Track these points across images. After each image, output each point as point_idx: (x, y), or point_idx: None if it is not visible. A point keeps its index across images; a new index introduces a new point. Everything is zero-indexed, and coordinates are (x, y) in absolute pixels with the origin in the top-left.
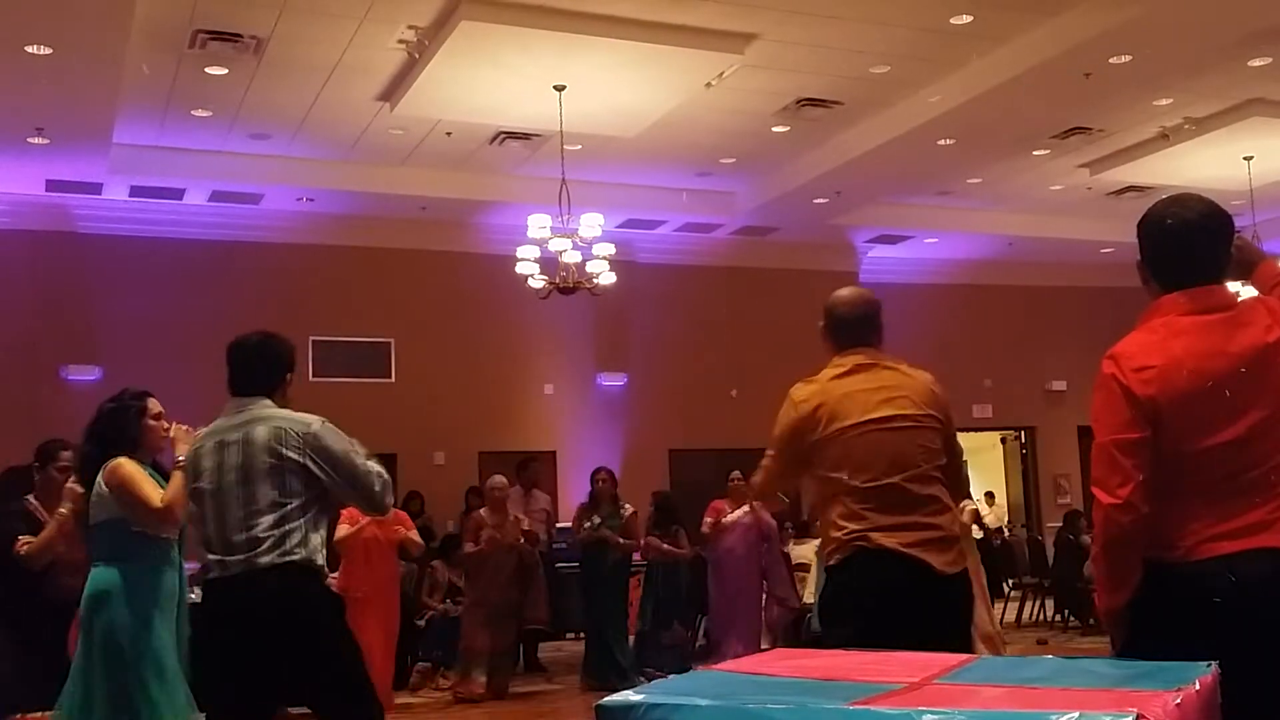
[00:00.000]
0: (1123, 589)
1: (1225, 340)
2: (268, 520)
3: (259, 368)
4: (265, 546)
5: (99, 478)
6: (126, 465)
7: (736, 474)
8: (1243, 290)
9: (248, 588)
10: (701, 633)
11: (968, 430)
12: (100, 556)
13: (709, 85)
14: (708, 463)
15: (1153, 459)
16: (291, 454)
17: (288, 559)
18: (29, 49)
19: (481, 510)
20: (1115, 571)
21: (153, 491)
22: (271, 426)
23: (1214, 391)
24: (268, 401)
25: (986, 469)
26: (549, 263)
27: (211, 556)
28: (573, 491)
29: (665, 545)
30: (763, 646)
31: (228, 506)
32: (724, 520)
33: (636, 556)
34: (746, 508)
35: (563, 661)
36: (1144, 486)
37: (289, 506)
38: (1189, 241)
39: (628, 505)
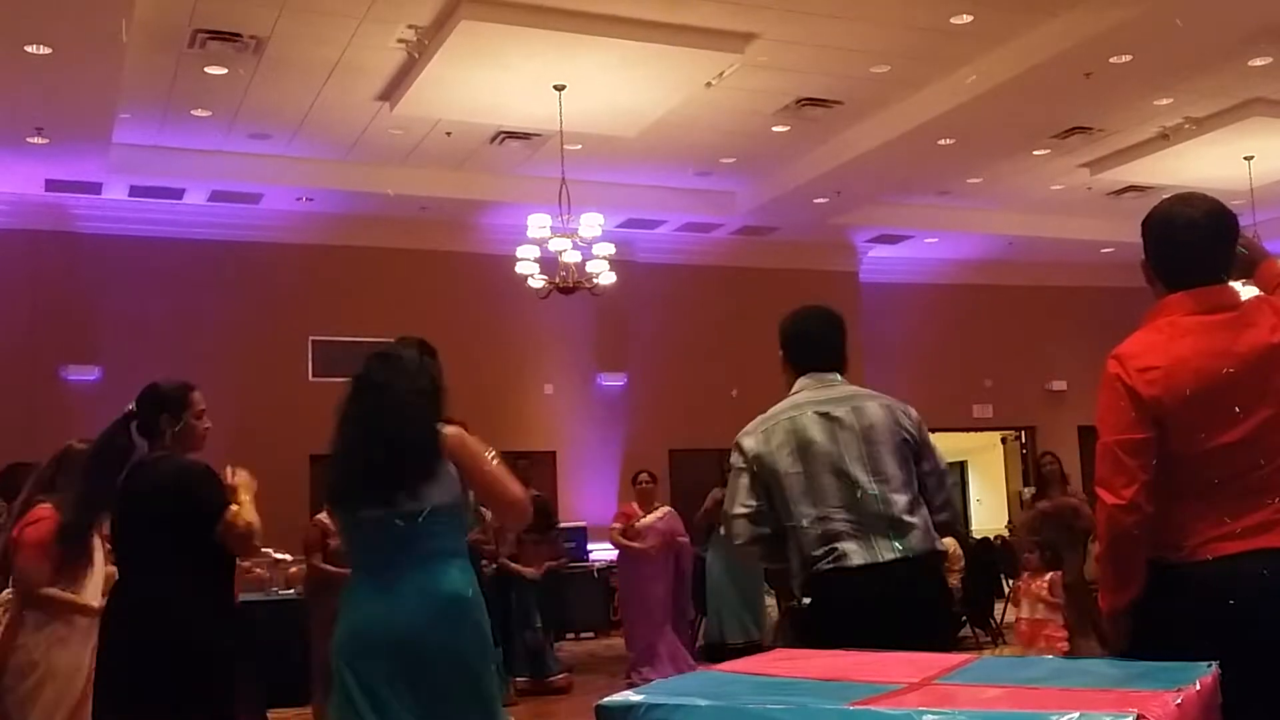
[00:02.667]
0: (1127, 589)
1: (1230, 340)
2: (904, 501)
3: (840, 343)
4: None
5: (439, 442)
6: (470, 438)
7: (645, 475)
8: (1244, 290)
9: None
10: (700, 633)
11: (968, 430)
12: (443, 550)
13: (709, 85)
14: (708, 463)
15: (1157, 459)
16: (911, 432)
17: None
18: (28, 48)
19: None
20: (1119, 572)
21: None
22: (881, 404)
23: (1218, 392)
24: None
25: (986, 469)
26: (549, 263)
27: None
28: (572, 491)
29: (512, 565)
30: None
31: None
32: (637, 525)
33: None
34: (661, 512)
35: (564, 662)
36: (1148, 487)
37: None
38: (1194, 241)
39: (486, 510)
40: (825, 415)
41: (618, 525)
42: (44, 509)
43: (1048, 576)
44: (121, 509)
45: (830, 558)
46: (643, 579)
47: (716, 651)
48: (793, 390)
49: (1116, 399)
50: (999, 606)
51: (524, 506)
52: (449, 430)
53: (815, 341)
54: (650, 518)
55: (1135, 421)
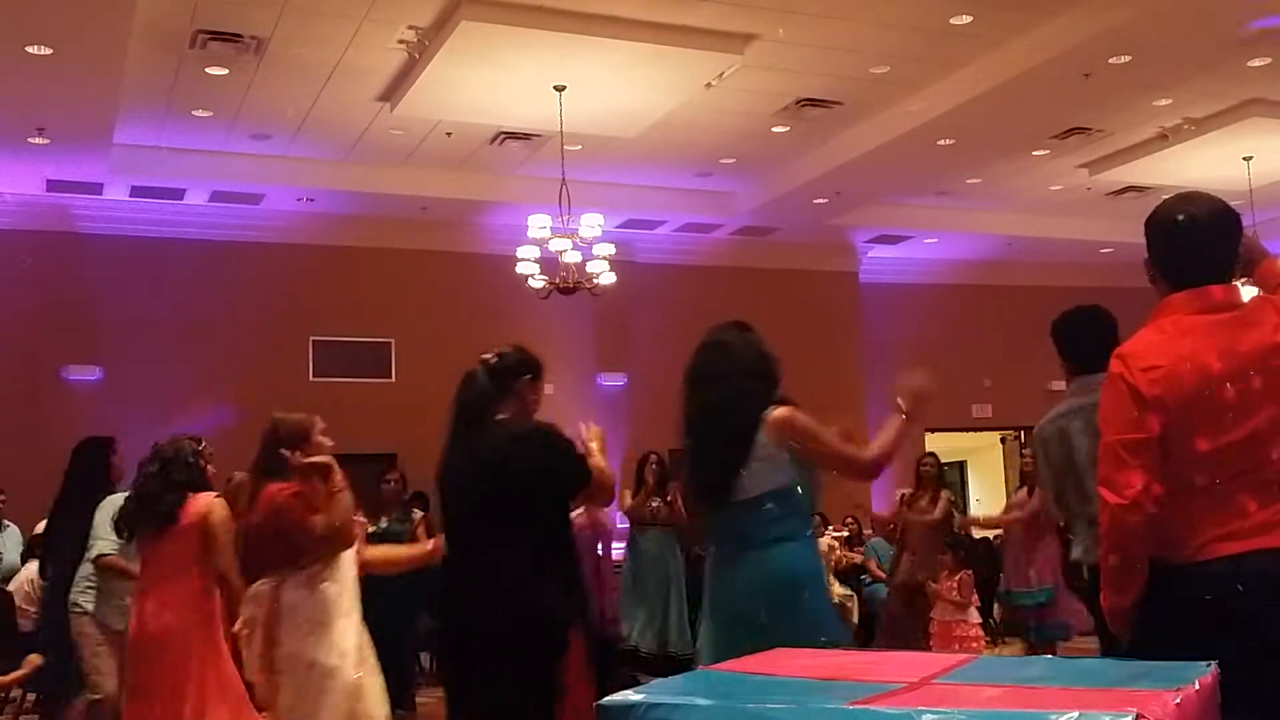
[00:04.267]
0: (1129, 589)
1: (1233, 340)
2: None
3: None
4: None
5: (764, 429)
6: (799, 418)
7: None
8: (1244, 289)
9: None
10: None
11: (967, 430)
12: (775, 535)
13: (709, 85)
14: None
15: (1160, 458)
16: None
17: None
18: (30, 49)
19: None
20: (1122, 572)
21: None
22: None
23: (1221, 391)
24: None
25: (986, 469)
26: (549, 263)
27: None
28: None
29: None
30: None
31: None
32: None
33: None
34: (580, 508)
35: None
36: (1151, 486)
37: None
38: (1198, 240)
39: (418, 511)
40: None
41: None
42: (283, 486)
43: (958, 577)
44: (461, 482)
45: None
46: None
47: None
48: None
49: (1120, 398)
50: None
51: (866, 464)
52: (776, 415)
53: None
54: (572, 514)
55: (1138, 420)
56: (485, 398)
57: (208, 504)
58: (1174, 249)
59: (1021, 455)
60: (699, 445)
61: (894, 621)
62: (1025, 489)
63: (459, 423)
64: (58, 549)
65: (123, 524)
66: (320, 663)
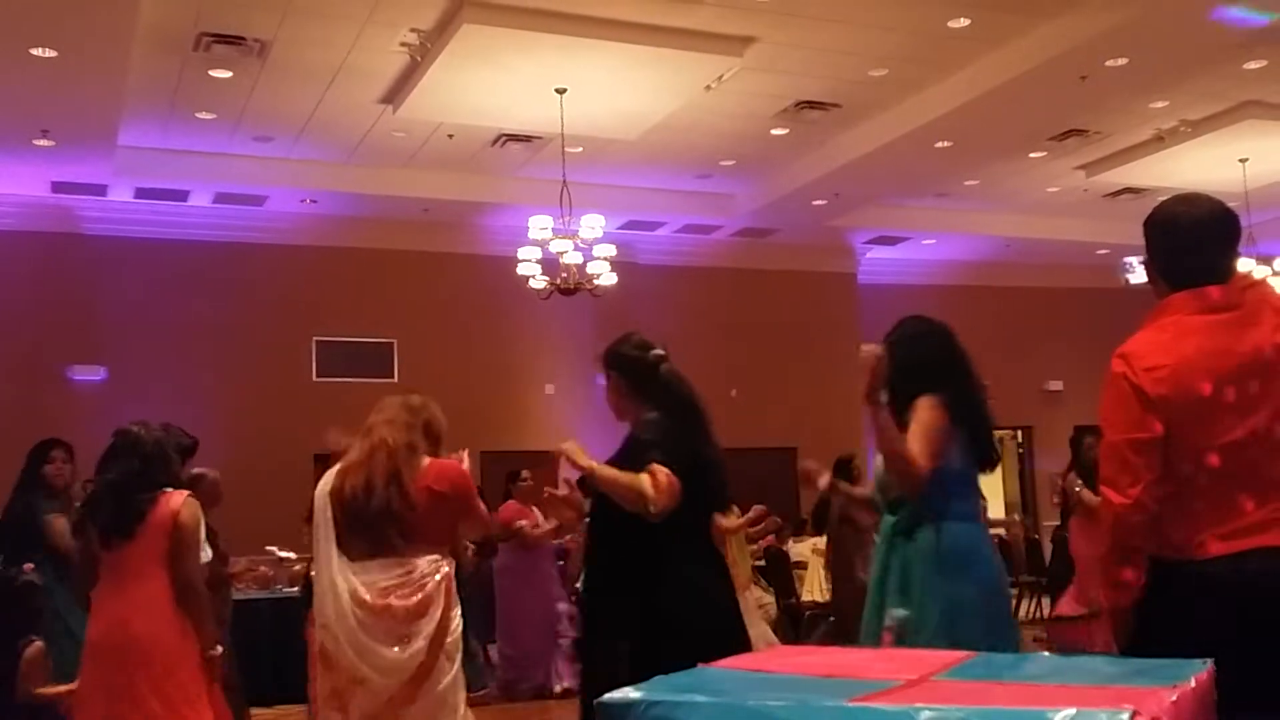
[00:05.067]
0: (1130, 588)
1: (1234, 340)
2: None
3: None
4: None
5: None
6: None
7: (527, 473)
8: (1256, 269)
9: None
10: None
11: None
12: (948, 514)
13: (708, 88)
14: None
15: (1162, 458)
16: None
17: None
18: (34, 51)
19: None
20: (1123, 570)
21: None
22: None
23: (1222, 391)
24: None
25: None
26: (550, 264)
27: None
28: None
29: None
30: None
31: None
32: (537, 531)
33: None
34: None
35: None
36: (1154, 485)
37: None
38: (1200, 241)
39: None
40: None
41: (524, 522)
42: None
43: None
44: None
45: None
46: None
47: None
48: None
49: (1123, 397)
50: None
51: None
52: None
53: None
54: (549, 525)
55: (1142, 420)
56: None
57: (180, 502)
58: (1175, 250)
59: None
60: None
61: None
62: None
63: (699, 416)
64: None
65: (87, 523)
66: (462, 650)
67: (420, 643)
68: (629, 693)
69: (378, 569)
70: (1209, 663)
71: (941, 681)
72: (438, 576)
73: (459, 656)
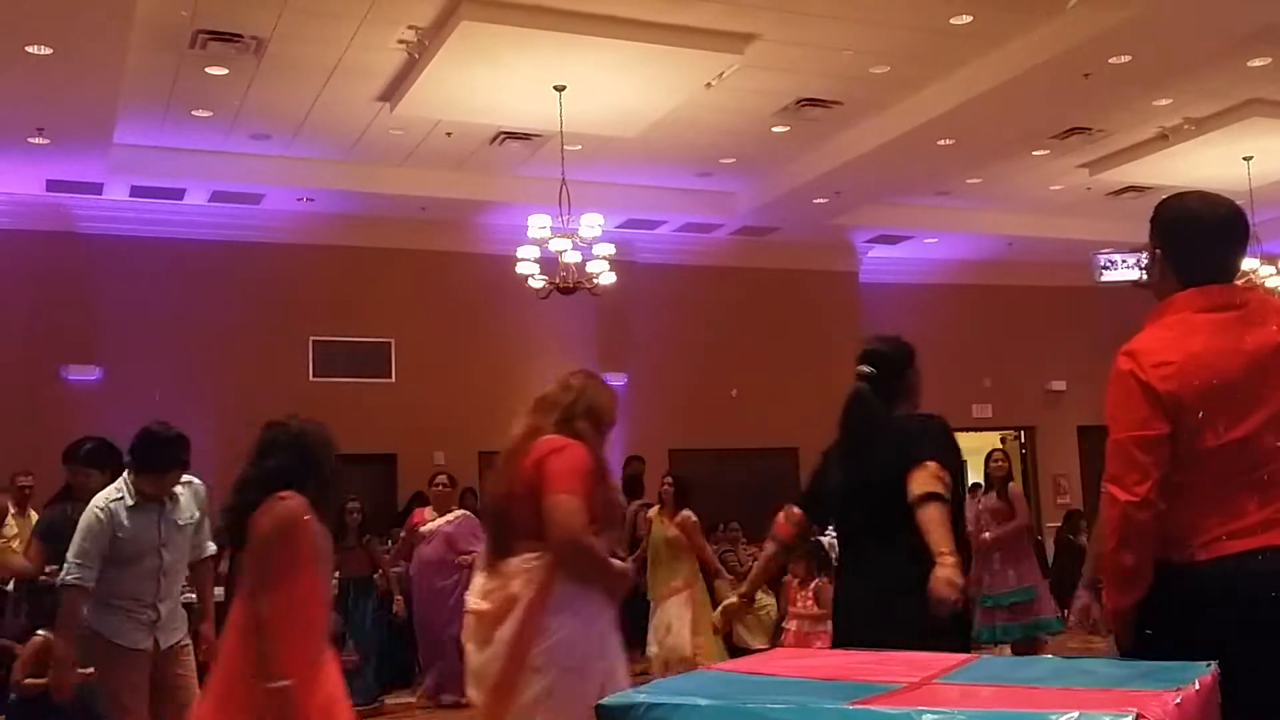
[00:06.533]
0: (1135, 589)
1: (1238, 338)
2: None
3: None
4: None
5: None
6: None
7: (442, 479)
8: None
9: None
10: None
11: (967, 430)
12: None
13: (709, 85)
14: (708, 463)
15: (1169, 456)
16: None
17: None
18: (30, 49)
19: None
20: (1128, 570)
21: None
22: None
23: (1228, 389)
24: None
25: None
26: (549, 263)
27: None
28: None
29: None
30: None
31: None
32: (423, 529)
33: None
34: (451, 515)
35: None
36: (1161, 483)
37: None
38: (1221, 239)
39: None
40: None
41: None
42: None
43: (812, 586)
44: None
45: None
46: (423, 585)
47: None
48: None
49: (1130, 395)
50: None
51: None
52: None
53: None
54: (439, 521)
55: (1149, 417)
56: (878, 413)
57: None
58: (1193, 246)
59: (991, 460)
60: None
61: None
62: (994, 493)
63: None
64: None
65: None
66: (575, 667)
67: (498, 648)
68: (630, 694)
69: (488, 571)
70: (1213, 665)
71: (943, 684)
72: (527, 576)
73: (555, 673)
